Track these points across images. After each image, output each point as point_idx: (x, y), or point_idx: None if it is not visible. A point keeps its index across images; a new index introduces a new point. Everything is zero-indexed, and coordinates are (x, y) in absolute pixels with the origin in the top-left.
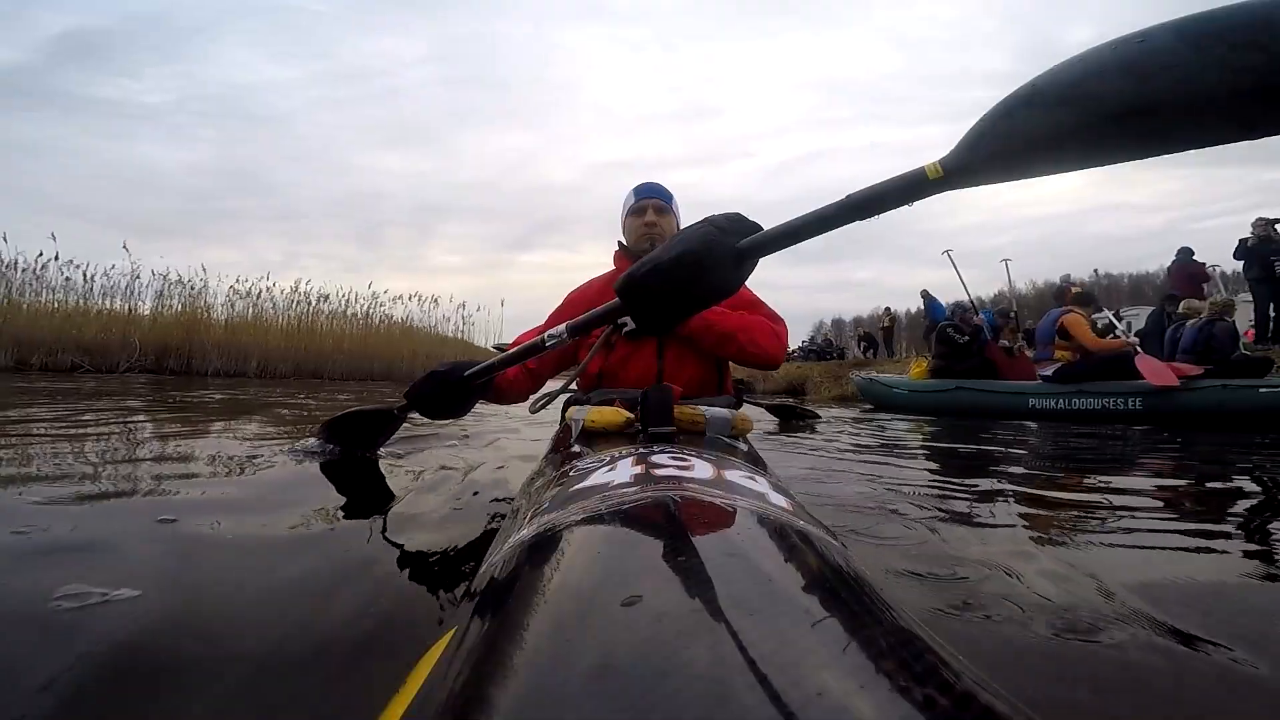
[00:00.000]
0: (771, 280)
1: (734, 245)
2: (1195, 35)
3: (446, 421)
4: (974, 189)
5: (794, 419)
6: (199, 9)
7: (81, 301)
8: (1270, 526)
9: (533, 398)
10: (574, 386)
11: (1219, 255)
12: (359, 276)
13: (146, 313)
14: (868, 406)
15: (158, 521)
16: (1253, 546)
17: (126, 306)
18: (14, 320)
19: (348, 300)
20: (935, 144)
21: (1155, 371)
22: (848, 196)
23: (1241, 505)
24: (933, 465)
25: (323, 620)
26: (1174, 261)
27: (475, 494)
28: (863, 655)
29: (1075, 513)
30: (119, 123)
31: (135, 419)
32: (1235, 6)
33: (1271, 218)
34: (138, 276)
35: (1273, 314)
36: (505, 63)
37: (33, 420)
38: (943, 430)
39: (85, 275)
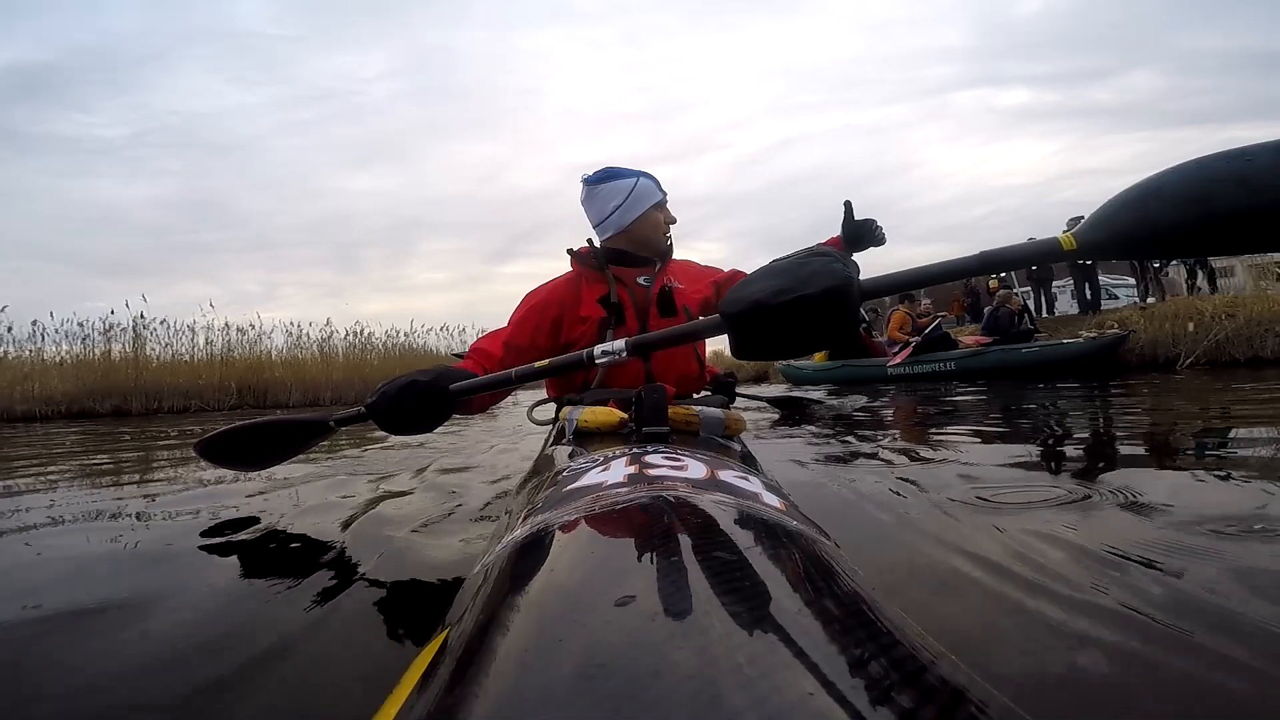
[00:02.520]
0: (738, 265)
1: (861, 285)
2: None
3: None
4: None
5: (796, 409)
6: (146, 37)
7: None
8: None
9: (531, 404)
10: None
11: None
12: (341, 302)
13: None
14: (788, 384)
15: (156, 519)
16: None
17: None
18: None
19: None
20: (905, 122)
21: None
22: (983, 252)
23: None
24: (916, 460)
25: (315, 623)
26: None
27: (469, 494)
28: (855, 655)
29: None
30: (76, 159)
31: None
32: None
33: (1078, 216)
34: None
35: (1089, 294)
36: (467, 72)
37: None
38: (896, 413)
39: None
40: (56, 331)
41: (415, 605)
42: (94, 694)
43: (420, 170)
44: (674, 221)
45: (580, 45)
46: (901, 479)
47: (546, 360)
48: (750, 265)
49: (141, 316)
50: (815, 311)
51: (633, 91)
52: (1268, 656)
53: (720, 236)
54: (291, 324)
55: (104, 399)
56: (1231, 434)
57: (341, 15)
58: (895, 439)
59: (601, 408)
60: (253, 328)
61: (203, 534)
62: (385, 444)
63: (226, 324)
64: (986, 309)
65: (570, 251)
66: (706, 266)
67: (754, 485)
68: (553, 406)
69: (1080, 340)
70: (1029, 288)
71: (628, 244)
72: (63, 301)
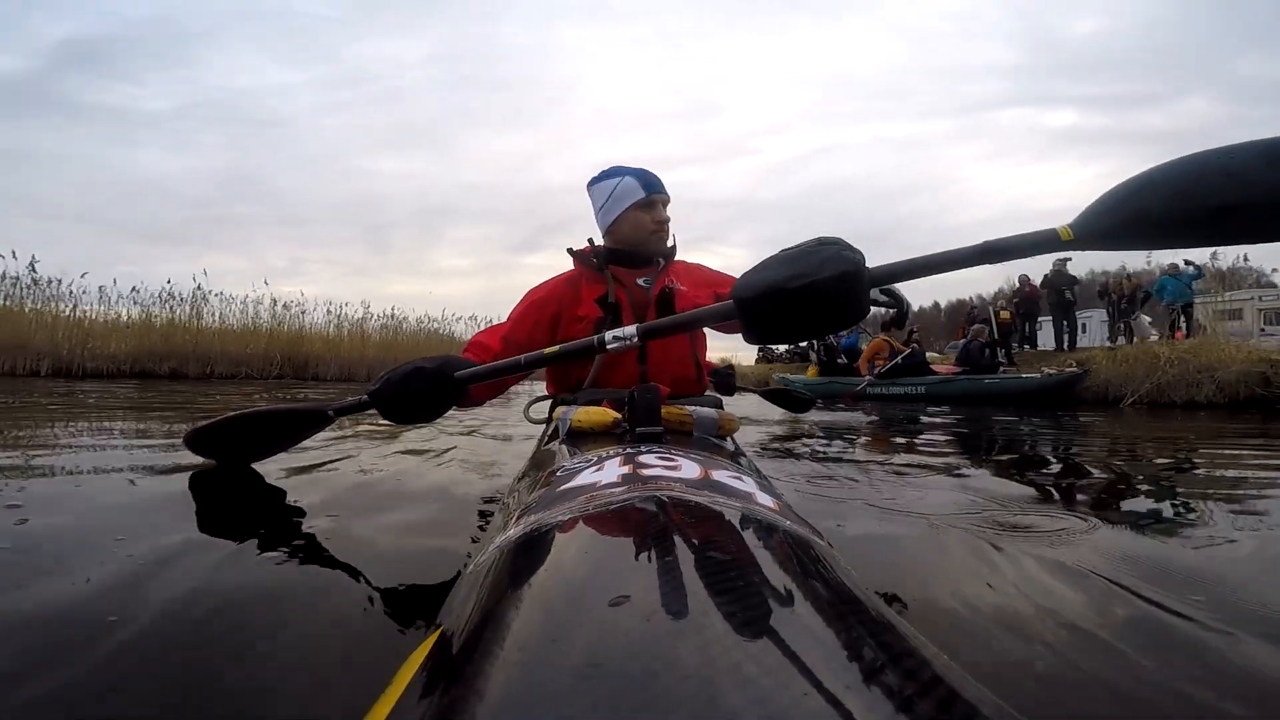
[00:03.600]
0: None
1: (869, 273)
2: (1273, 155)
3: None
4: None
5: (790, 403)
6: (201, 14)
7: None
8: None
9: (527, 403)
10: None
11: None
12: (367, 281)
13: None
14: None
15: (151, 513)
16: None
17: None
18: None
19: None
20: (943, 138)
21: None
22: (985, 242)
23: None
24: (904, 459)
25: (308, 622)
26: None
27: (461, 494)
28: (850, 655)
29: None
30: (123, 129)
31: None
32: None
33: (1064, 257)
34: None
35: (1065, 330)
36: (506, 63)
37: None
38: (885, 423)
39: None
40: (122, 296)
41: (407, 604)
42: (75, 694)
43: (453, 157)
44: (665, 220)
45: (618, 43)
46: (889, 482)
47: (556, 346)
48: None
49: (199, 287)
50: (828, 296)
51: (667, 92)
52: (1253, 659)
53: (744, 241)
54: (330, 304)
55: (162, 361)
56: (1120, 464)
57: (389, 1)
58: (881, 449)
59: (595, 408)
60: (297, 305)
61: (191, 530)
62: (377, 440)
63: (274, 300)
64: (959, 342)
65: (571, 251)
66: (716, 272)
67: (748, 485)
68: (548, 405)
69: (1038, 376)
70: (1051, 315)
71: (615, 244)
72: (92, 265)
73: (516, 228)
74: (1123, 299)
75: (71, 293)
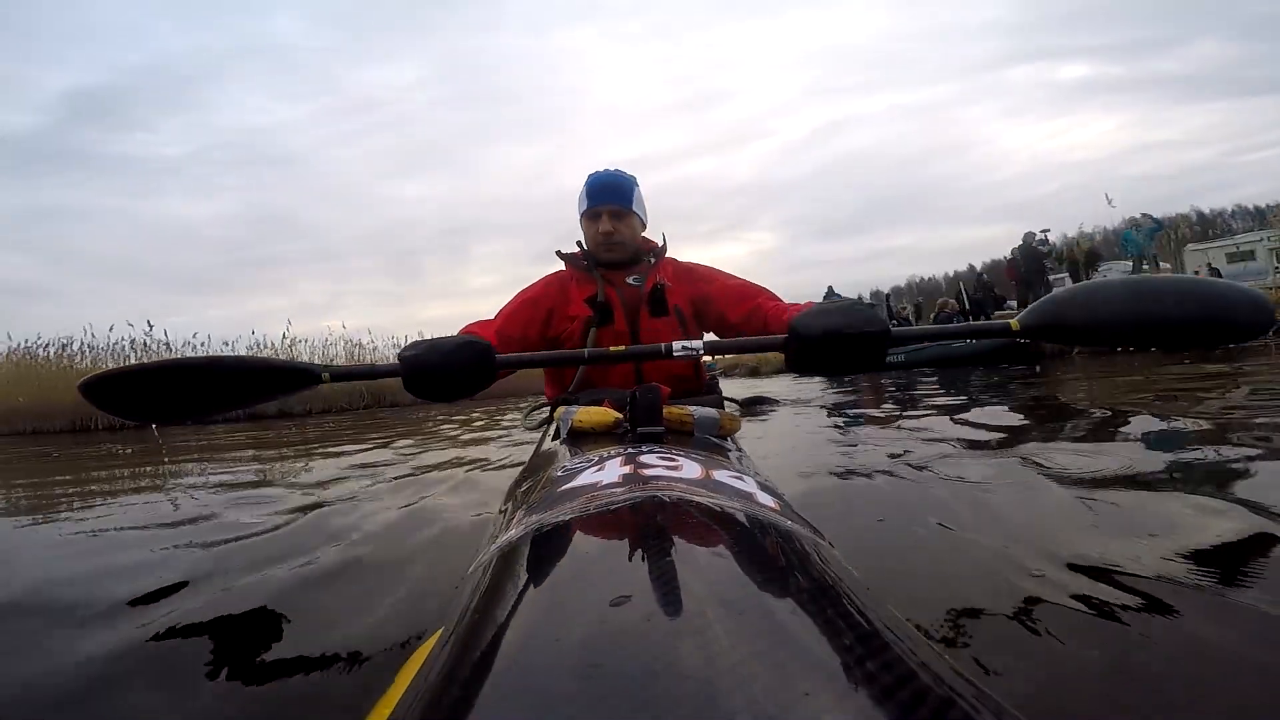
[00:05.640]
0: (801, 258)
1: (891, 333)
2: (1136, 288)
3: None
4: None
5: (756, 405)
6: (194, 56)
7: None
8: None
9: (526, 409)
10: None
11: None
12: (403, 309)
13: None
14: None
15: (143, 505)
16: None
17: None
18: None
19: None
20: (957, 100)
21: None
22: (959, 324)
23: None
24: (902, 456)
25: (310, 621)
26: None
27: (462, 494)
28: (851, 655)
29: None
30: (144, 178)
31: None
32: (1148, 280)
33: (1040, 229)
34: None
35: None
36: (509, 75)
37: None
38: (878, 400)
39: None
40: (225, 346)
41: (409, 604)
42: (75, 695)
43: (470, 175)
44: (609, 233)
45: (615, 41)
46: (889, 481)
47: (622, 347)
48: (805, 254)
49: (283, 336)
50: (866, 344)
51: (671, 84)
52: (1259, 649)
53: (771, 225)
54: (392, 338)
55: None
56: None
57: (367, 27)
58: (879, 437)
59: (596, 408)
60: (370, 342)
61: (187, 529)
62: (371, 437)
63: (347, 340)
64: (932, 315)
65: (560, 254)
66: (707, 267)
67: (748, 485)
68: (547, 407)
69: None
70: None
71: (588, 249)
72: (149, 316)
73: (539, 236)
74: (1077, 263)
75: (185, 343)
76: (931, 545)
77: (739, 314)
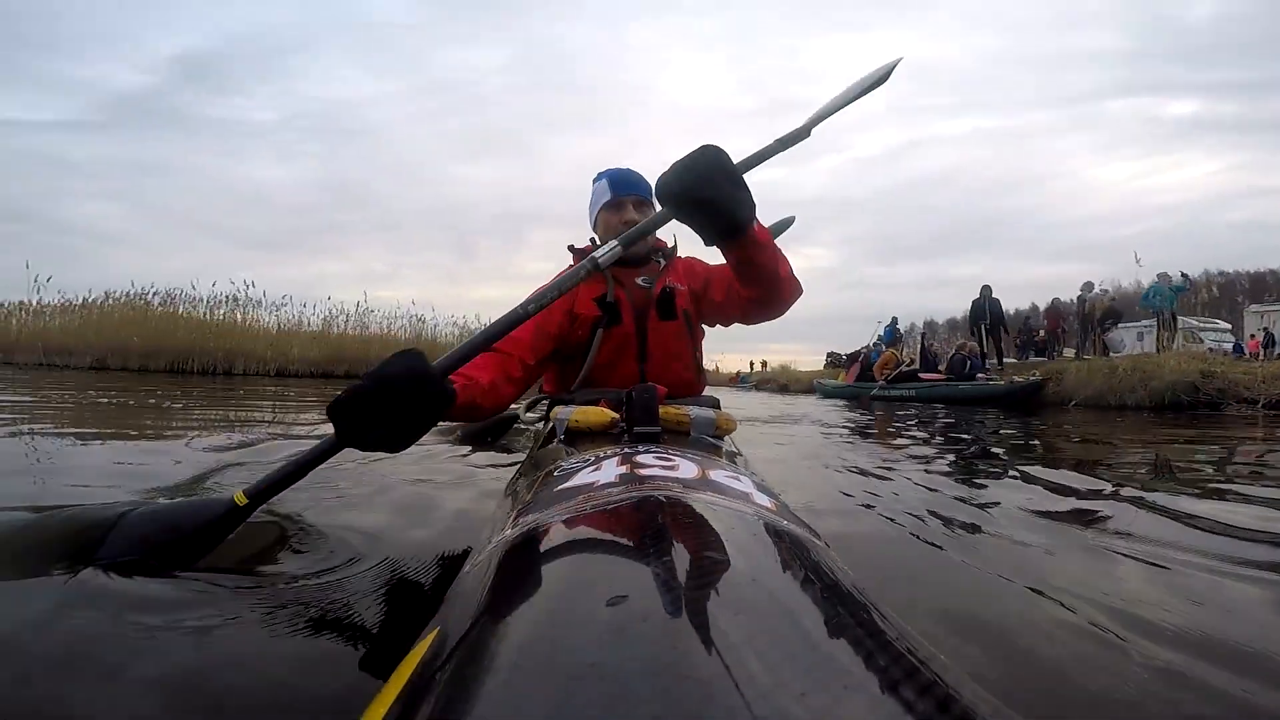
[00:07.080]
0: (859, 278)
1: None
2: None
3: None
4: None
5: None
6: (295, 27)
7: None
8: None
9: (518, 408)
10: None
11: None
12: (457, 287)
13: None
14: (819, 395)
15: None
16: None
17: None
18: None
19: None
20: (1046, 130)
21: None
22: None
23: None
24: (899, 460)
25: (305, 621)
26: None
27: (459, 493)
28: (847, 656)
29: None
30: (233, 141)
31: None
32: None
33: (1100, 285)
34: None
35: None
36: (581, 67)
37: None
38: (881, 425)
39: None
40: (304, 308)
41: (403, 604)
42: (71, 694)
43: (534, 162)
44: (633, 222)
45: (691, 41)
46: (886, 483)
47: (556, 287)
48: (862, 274)
49: (358, 305)
50: (711, 171)
51: (744, 89)
52: (1250, 659)
53: (830, 242)
54: (461, 318)
55: (339, 364)
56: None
57: (462, 5)
58: (877, 448)
59: (592, 408)
60: (432, 317)
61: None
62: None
63: (413, 316)
64: (950, 355)
65: (571, 248)
66: (709, 265)
67: (745, 485)
68: (545, 405)
69: (1004, 383)
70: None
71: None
72: (221, 271)
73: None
74: (1096, 318)
75: (274, 304)
76: (929, 553)
77: (721, 293)
